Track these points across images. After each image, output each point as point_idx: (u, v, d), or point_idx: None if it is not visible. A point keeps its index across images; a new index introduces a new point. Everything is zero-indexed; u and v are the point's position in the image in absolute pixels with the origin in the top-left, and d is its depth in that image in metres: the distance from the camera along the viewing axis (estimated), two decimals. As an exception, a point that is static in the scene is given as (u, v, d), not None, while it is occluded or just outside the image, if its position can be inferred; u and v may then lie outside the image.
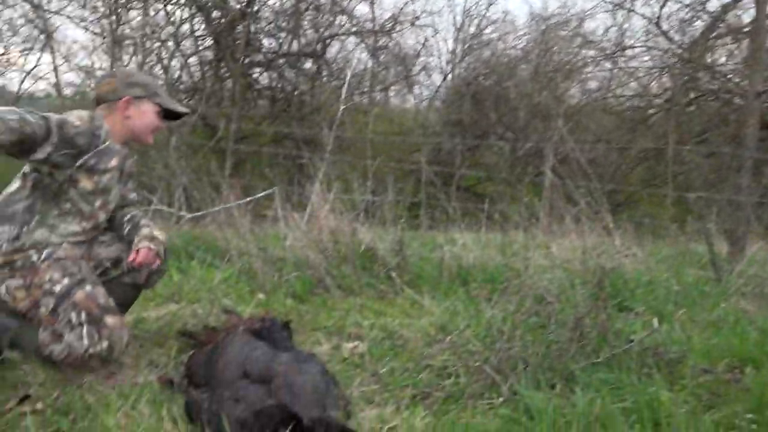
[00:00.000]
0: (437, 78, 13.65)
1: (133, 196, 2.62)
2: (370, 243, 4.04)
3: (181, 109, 2.53)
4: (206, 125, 10.14)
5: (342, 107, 6.37)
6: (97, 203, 2.35)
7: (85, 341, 2.17)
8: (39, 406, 2.00)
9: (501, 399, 2.09)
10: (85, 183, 2.28)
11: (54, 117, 2.11)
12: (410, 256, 4.07)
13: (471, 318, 2.85)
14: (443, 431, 1.87)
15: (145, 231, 2.39)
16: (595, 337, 2.45)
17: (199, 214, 5.20)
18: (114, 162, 2.34)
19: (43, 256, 2.24)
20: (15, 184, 2.32)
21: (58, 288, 2.20)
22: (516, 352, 2.32)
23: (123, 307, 2.53)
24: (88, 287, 2.23)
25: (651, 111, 11.64)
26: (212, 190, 4.81)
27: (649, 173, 11.23)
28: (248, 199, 5.30)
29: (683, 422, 1.90)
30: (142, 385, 2.12)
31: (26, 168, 2.29)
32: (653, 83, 11.43)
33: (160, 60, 10.20)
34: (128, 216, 2.52)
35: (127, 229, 2.47)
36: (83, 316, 2.17)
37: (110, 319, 2.21)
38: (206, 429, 1.84)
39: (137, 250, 2.31)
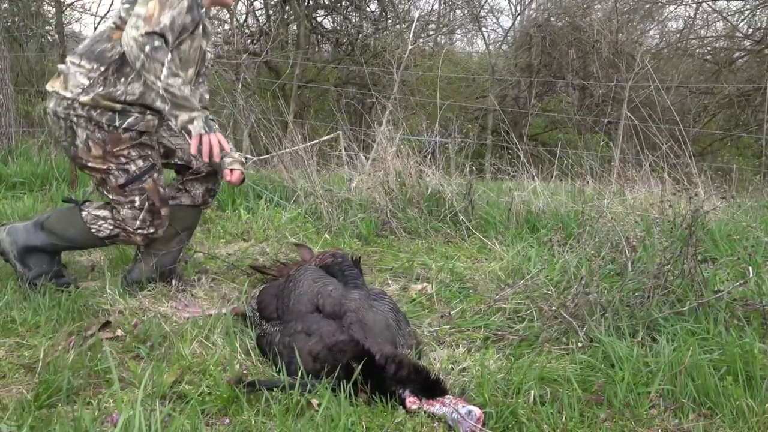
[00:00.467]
0: (506, 21, 13.07)
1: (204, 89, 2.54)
2: (437, 186, 3.95)
3: None
4: (271, 69, 10.13)
5: (409, 48, 6.17)
6: (190, 70, 2.29)
7: (138, 223, 2.32)
8: (118, 333, 2.07)
9: (579, 344, 2.00)
10: (185, 47, 2.21)
11: None
12: (477, 201, 3.96)
13: (544, 263, 2.75)
14: (517, 374, 1.81)
15: (235, 154, 2.37)
16: (679, 286, 2.31)
17: (266, 156, 5.23)
18: (207, 28, 2.31)
19: (125, 125, 2.21)
20: (108, 27, 2.23)
21: (132, 168, 2.26)
22: (594, 298, 2.21)
23: (189, 230, 2.61)
24: (156, 175, 2.31)
25: (737, 54, 10.81)
26: (279, 130, 4.80)
27: (732, 121, 10.52)
28: (314, 142, 5.27)
29: (779, 377, 1.77)
30: (216, 318, 2.15)
31: (122, 13, 2.16)
32: (742, 23, 10.56)
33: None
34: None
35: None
36: (146, 203, 2.30)
37: (164, 211, 2.35)
38: (277, 360, 1.85)
39: (231, 170, 2.32)
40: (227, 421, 1.55)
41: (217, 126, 2.18)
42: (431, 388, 1.67)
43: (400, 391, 1.68)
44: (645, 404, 1.70)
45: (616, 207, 3.81)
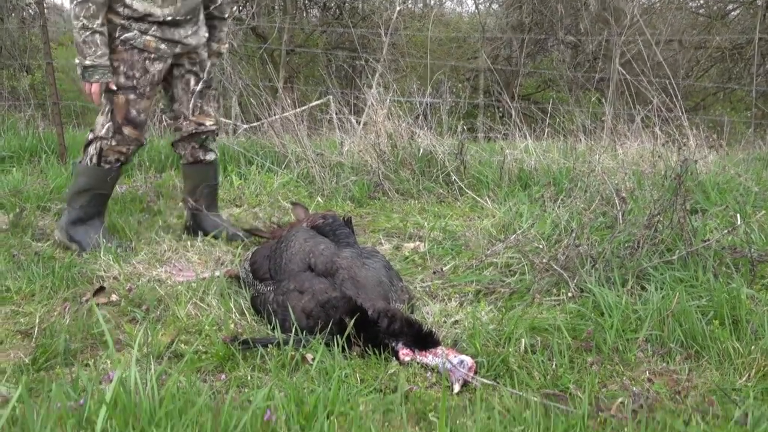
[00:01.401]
0: (496, -22, 12.83)
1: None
2: (429, 147, 3.94)
3: None
4: (258, 36, 9.96)
5: (398, 10, 6.07)
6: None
7: (104, 130, 2.47)
8: (114, 297, 2.08)
9: (569, 295, 2.03)
10: None
11: None
12: (469, 161, 3.96)
13: (535, 218, 2.76)
14: (509, 325, 1.84)
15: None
16: (669, 236, 2.34)
17: (257, 123, 5.18)
18: None
19: (122, 38, 2.40)
20: None
21: (114, 81, 2.41)
22: (584, 250, 2.24)
23: (203, 184, 2.72)
24: (132, 96, 2.44)
25: (730, 6, 10.67)
26: (269, 96, 4.75)
27: (725, 75, 10.45)
28: (304, 107, 5.22)
29: (764, 320, 1.80)
30: (210, 280, 2.17)
31: None
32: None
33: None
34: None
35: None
36: (110, 115, 2.45)
37: (127, 130, 2.47)
38: (272, 319, 1.87)
39: None
40: (223, 377, 1.58)
41: (101, 77, 2.37)
42: (424, 340, 1.70)
43: (393, 344, 1.70)
44: (633, 349, 1.74)
45: (608, 162, 3.81)
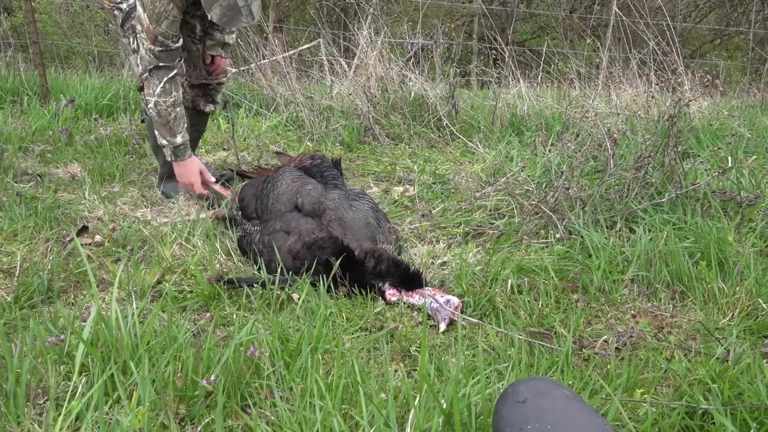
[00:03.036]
0: None
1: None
2: (420, 91, 3.86)
3: (213, 16, 2.12)
4: (246, -24, 9.63)
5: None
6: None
7: (140, 69, 2.34)
8: (97, 238, 2.05)
9: (557, 237, 2.02)
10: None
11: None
12: (462, 105, 3.89)
13: (526, 163, 2.73)
14: (495, 266, 1.83)
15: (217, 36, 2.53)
16: (658, 179, 2.32)
17: (245, 67, 5.05)
18: None
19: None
20: None
21: (124, 5, 2.38)
22: (574, 192, 2.22)
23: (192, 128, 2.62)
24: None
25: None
26: (258, 38, 4.61)
27: (724, 22, 10.25)
28: (294, 51, 5.09)
29: (750, 262, 1.80)
30: (195, 221, 2.14)
31: None
32: None
33: None
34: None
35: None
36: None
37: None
38: (258, 259, 1.86)
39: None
40: (208, 315, 1.57)
41: (191, 153, 2.36)
42: (410, 280, 1.69)
43: (380, 284, 1.70)
44: (620, 289, 1.74)
45: (601, 107, 3.76)
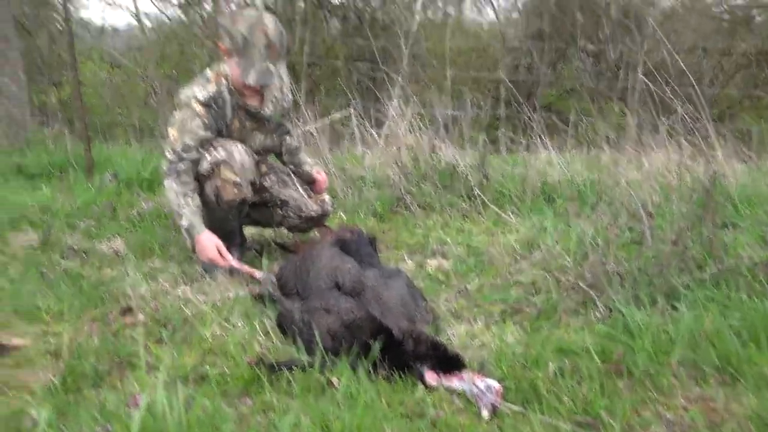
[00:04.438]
0: (515, -12, 12.79)
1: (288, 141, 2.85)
2: (451, 160, 3.92)
3: (250, 80, 2.36)
4: (279, 48, 10.04)
5: (417, 20, 6.08)
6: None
7: (208, 159, 2.47)
8: (140, 317, 2.09)
9: (597, 315, 1.99)
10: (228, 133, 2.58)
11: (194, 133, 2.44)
12: (492, 174, 3.93)
13: (560, 234, 2.73)
14: (535, 347, 1.81)
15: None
16: (698, 252, 2.29)
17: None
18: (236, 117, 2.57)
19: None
20: None
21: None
22: (611, 267, 2.20)
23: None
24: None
25: (755, 12, 10.51)
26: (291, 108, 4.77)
27: (751, 82, 10.27)
28: (325, 120, 5.24)
29: (802, 341, 1.75)
30: (235, 300, 2.17)
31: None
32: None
33: (231, -18, 10.07)
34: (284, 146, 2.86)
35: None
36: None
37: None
38: (297, 339, 1.87)
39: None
40: (249, 401, 1.57)
41: (198, 229, 2.43)
42: (450, 363, 1.68)
43: (419, 366, 1.69)
44: (666, 373, 1.70)
45: (633, 174, 3.76)
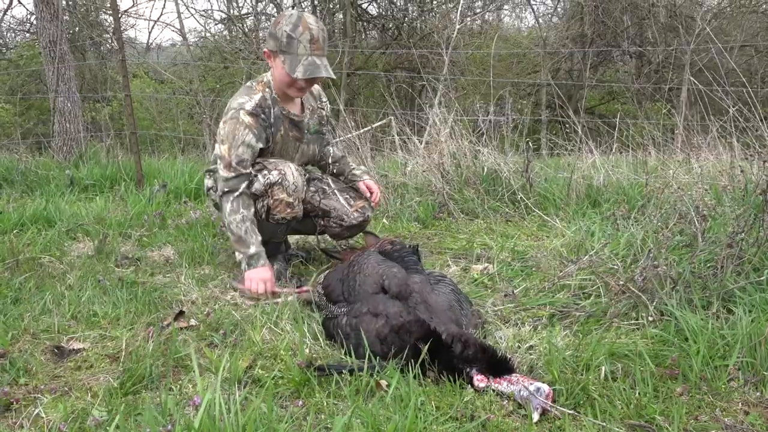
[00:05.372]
0: (555, -9, 12.66)
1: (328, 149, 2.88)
2: (493, 165, 3.91)
3: (298, 73, 2.38)
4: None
5: (457, 28, 6.09)
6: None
7: (261, 181, 2.48)
8: (192, 322, 2.15)
9: (649, 319, 1.95)
10: (277, 147, 2.61)
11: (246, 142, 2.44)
12: (535, 178, 3.90)
13: (608, 238, 2.68)
14: (586, 351, 1.78)
15: (362, 168, 2.89)
16: (755, 255, 2.22)
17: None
18: (281, 126, 2.57)
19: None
20: None
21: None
22: (663, 270, 2.15)
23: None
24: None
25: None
26: (332, 119, 4.84)
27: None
28: (367, 128, 5.29)
29: None
30: (283, 305, 2.21)
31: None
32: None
33: (271, -4, 10.29)
34: (330, 155, 2.89)
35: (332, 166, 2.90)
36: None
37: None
38: (345, 343, 1.89)
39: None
40: (300, 403, 1.60)
41: (264, 261, 2.43)
42: (498, 366, 1.67)
43: (468, 369, 1.68)
44: (723, 377, 1.65)
45: (682, 176, 3.67)
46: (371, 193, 2.80)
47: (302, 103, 2.64)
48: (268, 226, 2.55)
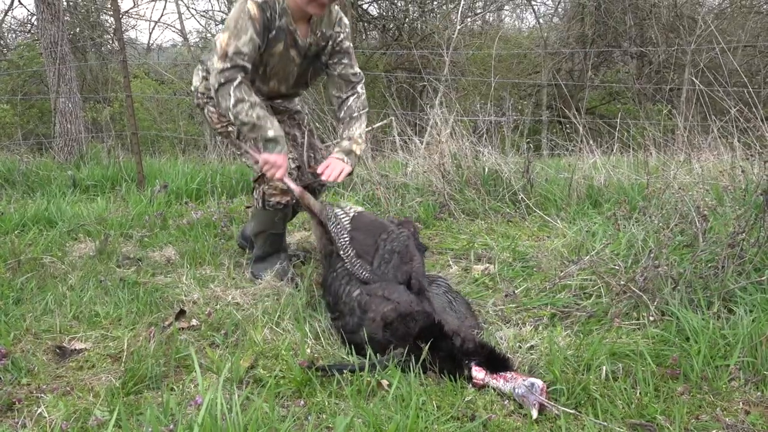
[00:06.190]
0: (556, -8, 12.67)
1: (345, 71, 2.58)
2: (494, 166, 3.91)
3: None
4: (320, 60, 10.19)
5: (457, 28, 6.09)
6: (272, 82, 2.50)
7: (257, 166, 2.44)
8: (194, 322, 2.16)
9: (650, 319, 1.95)
10: (272, 61, 2.43)
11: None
12: (536, 178, 3.90)
13: (609, 238, 2.69)
14: (587, 351, 1.79)
15: (344, 144, 2.52)
16: (755, 255, 2.22)
17: (322, 146, 5.30)
18: (298, 41, 2.41)
19: None
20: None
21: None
22: (664, 271, 2.15)
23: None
24: None
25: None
26: (333, 119, 4.84)
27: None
28: (367, 129, 5.29)
29: None
30: (285, 304, 2.22)
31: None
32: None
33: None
34: (345, 106, 2.57)
35: (340, 116, 2.60)
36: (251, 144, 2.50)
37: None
38: (342, 308, 1.95)
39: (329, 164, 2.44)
40: (302, 402, 1.60)
41: (282, 148, 2.32)
42: (496, 362, 1.68)
43: (467, 361, 1.70)
44: (724, 377, 1.65)
45: (683, 177, 3.67)
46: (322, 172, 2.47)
47: (312, 28, 2.47)
48: (264, 214, 2.56)
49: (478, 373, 1.66)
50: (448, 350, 1.71)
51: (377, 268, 2.04)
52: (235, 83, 2.25)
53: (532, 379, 1.58)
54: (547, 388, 1.62)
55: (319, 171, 2.43)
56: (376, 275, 2.02)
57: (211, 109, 2.59)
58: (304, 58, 2.50)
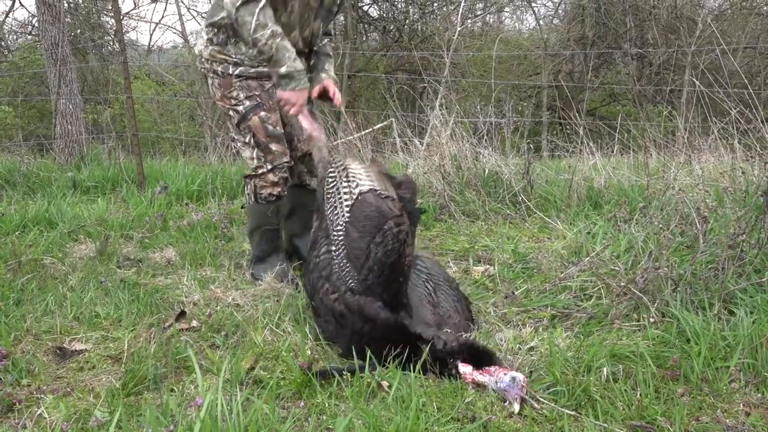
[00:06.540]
0: (556, -7, 12.68)
1: (330, 24, 2.61)
2: (494, 167, 3.91)
3: None
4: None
5: (458, 30, 6.10)
6: (294, 32, 2.41)
7: (255, 162, 2.48)
8: (194, 323, 2.16)
9: (651, 320, 1.95)
10: (281, 12, 2.34)
11: None
12: (536, 180, 3.90)
13: (609, 239, 2.69)
14: (588, 352, 1.79)
15: (331, 74, 2.54)
16: (756, 256, 2.22)
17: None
18: None
19: (237, 72, 2.44)
20: None
21: (241, 108, 2.45)
22: (664, 272, 2.15)
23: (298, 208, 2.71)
24: (262, 113, 2.45)
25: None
26: (333, 120, 4.86)
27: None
28: (368, 130, 5.30)
29: None
30: (285, 306, 2.22)
31: None
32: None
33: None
34: (321, 43, 2.59)
35: (314, 49, 2.58)
36: (253, 139, 2.47)
37: (274, 146, 2.47)
38: (318, 318, 1.96)
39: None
40: (302, 404, 1.60)
41: (297, 84, 2.28)
42: (479, 357, 1.69)
43: (452, 360, 1.71)
44: (724, 379, 1.65)
45: (684, 178, 3.67)
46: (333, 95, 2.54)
47: None
48: (257, 207, 2.55)
49: (465, 368, 1.69)
50: (432, 354, 1.73)
51: (364, 280, 1.95)
52: (261, 4, 2.14)
53: (513, 373, 1.60)
54: (548, 389, 1.63)
55: (330, 94, 2.50)
56: (361, 287, 1.94)
57: (215, 82, 2.47)
58: (320, 6, 2.45)
